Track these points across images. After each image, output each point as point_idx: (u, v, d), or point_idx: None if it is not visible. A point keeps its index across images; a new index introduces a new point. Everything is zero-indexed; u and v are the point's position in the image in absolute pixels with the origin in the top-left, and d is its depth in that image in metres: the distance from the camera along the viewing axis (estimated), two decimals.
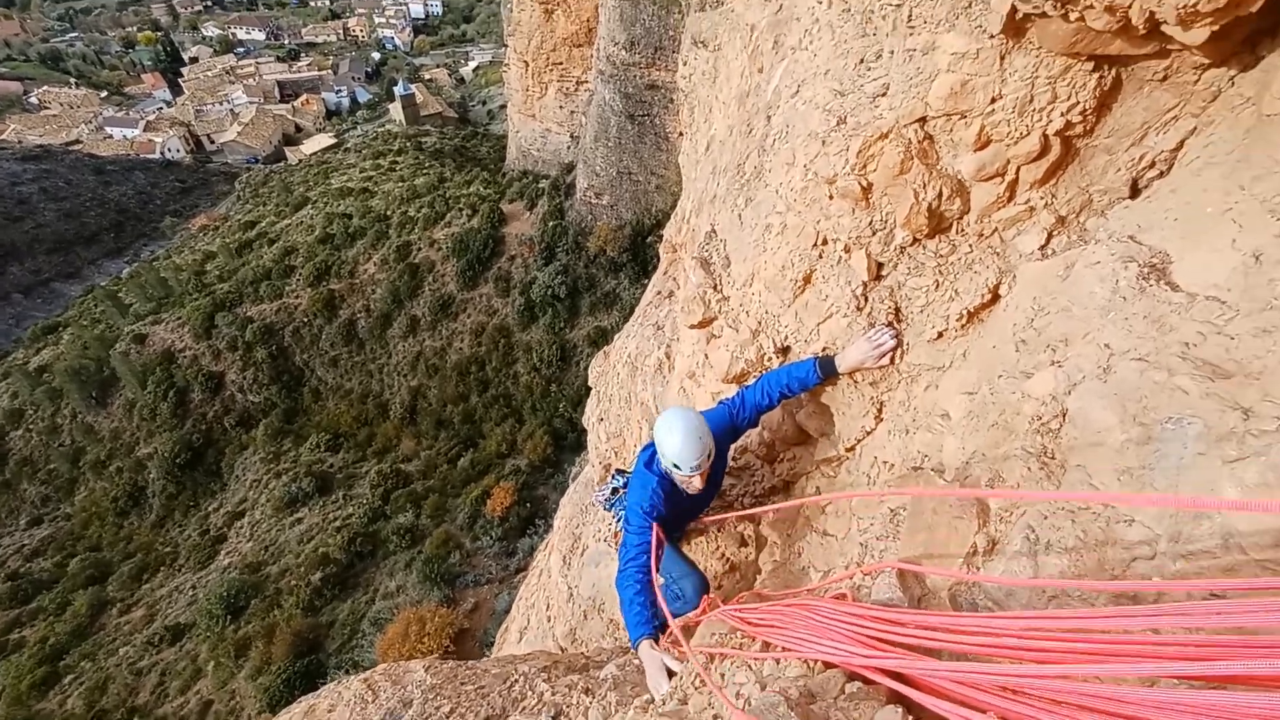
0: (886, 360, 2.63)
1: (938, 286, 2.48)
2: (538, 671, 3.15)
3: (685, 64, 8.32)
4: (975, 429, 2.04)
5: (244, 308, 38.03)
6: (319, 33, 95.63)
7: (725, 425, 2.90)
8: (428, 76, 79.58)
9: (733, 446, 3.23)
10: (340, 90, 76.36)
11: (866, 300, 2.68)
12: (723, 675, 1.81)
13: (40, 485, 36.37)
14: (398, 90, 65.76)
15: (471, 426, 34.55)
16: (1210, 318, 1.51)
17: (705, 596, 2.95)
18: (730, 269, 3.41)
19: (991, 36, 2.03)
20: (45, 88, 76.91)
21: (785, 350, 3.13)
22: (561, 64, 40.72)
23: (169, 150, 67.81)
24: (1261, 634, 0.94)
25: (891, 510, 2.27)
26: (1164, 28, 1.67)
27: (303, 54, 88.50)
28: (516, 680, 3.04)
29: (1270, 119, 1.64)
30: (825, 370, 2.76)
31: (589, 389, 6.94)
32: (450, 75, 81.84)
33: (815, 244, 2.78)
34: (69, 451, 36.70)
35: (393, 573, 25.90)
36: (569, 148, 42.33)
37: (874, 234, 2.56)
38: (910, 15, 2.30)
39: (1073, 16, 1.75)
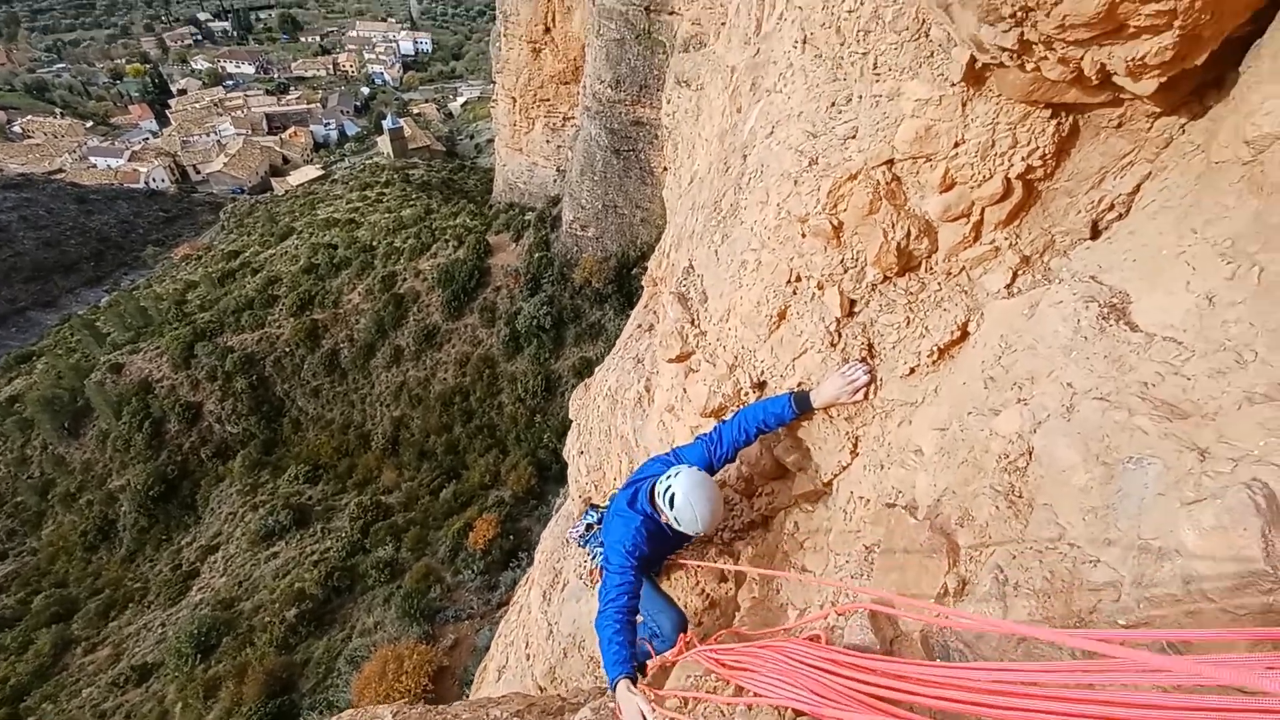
0: (861, 396, 2.65)
1: (909, 323, 2.52)
2: (511, 716, 3.06)
3: (669, 102, 8.51)
4: (947, 465, 2.05)
5: (225, 337, 37.54)
6: (309, 67, 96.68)
7: (703, 462, 2.92)
8: (416, 111, 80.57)
9: None
10: (329, 123, 76.97)
11: (840, 336, 2.71)
12: None
13: (6, 519, 35.13)
14: (386, 124, 66.42)
15: (454, 457, 34.08)
16: (1168, 358, 1.55)
17: (682, 635, 2.90)
18: (707, 304, 3.44)
19: (953, 84, 2.10)
20: (29, 117, 76.75)
21: (762, 385, 3.14)
22: (549, 100, 41.45)
23: (154, 180, 67.63)
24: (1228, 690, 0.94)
25: (866, 548, 2.26)
26: (1115, 78, 1.74)
27: (292, 88, 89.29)
28: None
29: (1218, 166, 1.70)
30: (801, 405, 2.78)
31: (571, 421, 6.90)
32: (438, 110, 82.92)
33: (789, 281, 2.81)
34: (38, 484, 35.59)
35: (371, 608, 25.17)
36: (555, 181, 42.83)
37: (846, 271, 2.60)
38: (876, 63, 2.38)
39: (1029, 67, 1.82)
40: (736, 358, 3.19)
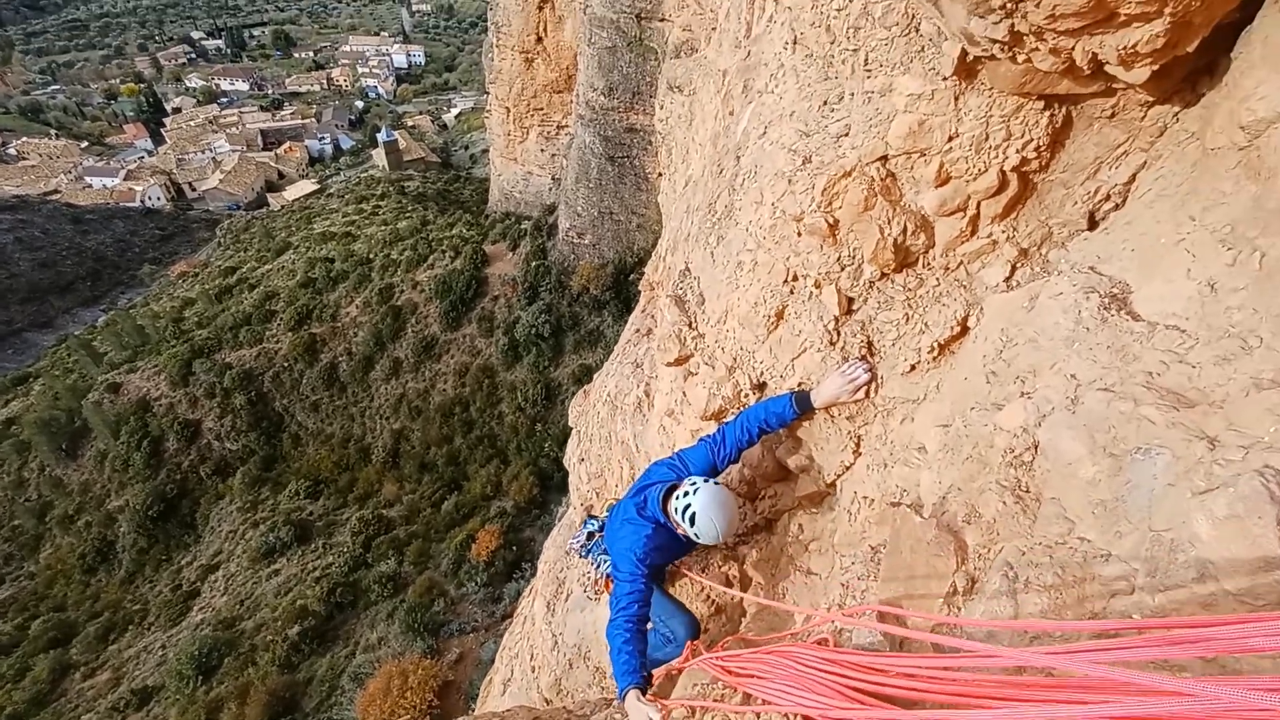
0: (861, 394, 2.63)
1: (908, 320, 2.50)
2: None
3: (662, 108, 8.53)
4: (951, 462, 2.02)
5: (223, 354, 37.45)
6: (303, 83, 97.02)
7: (707, 464, 2.90)
8: (410, 123, 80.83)
9: None
10: (323, 138, 77.19)
11: (839, 335, 2.69)
12: None
13: (3, 543, 34.89)
14: (381, 137, 66.60)
15: (456, 469, 33.95)
16: (1171, 346, 1.53)
17: (689, 642, 2.87)
18: (704, 306, 3.42)
19: (944, 78, 2.09)
20: (24, 139, 76.87)
21: (762, 386, 3.12)
22: (542, 109, 41.62)
23: (149, 198, 67.69)
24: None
25: (872, 548, 2.23)
26: (1107, 68, 1.72)
27: (286, 103, 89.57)
28: None
29: (1214, 153, 1.69)
30: (801, 405, 2.76)
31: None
32: (433, 122, 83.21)
33: (786, 280, 2.79)
34: (35, 506, 35.37)
35: (374, 624, 24.99)
36: (551, 189, 42.94)
37: (843, 269, 2.59)
38: (867, 60, 2.37)
39: (1020, 58, 1.81)
40: (735, 359, 3.17)
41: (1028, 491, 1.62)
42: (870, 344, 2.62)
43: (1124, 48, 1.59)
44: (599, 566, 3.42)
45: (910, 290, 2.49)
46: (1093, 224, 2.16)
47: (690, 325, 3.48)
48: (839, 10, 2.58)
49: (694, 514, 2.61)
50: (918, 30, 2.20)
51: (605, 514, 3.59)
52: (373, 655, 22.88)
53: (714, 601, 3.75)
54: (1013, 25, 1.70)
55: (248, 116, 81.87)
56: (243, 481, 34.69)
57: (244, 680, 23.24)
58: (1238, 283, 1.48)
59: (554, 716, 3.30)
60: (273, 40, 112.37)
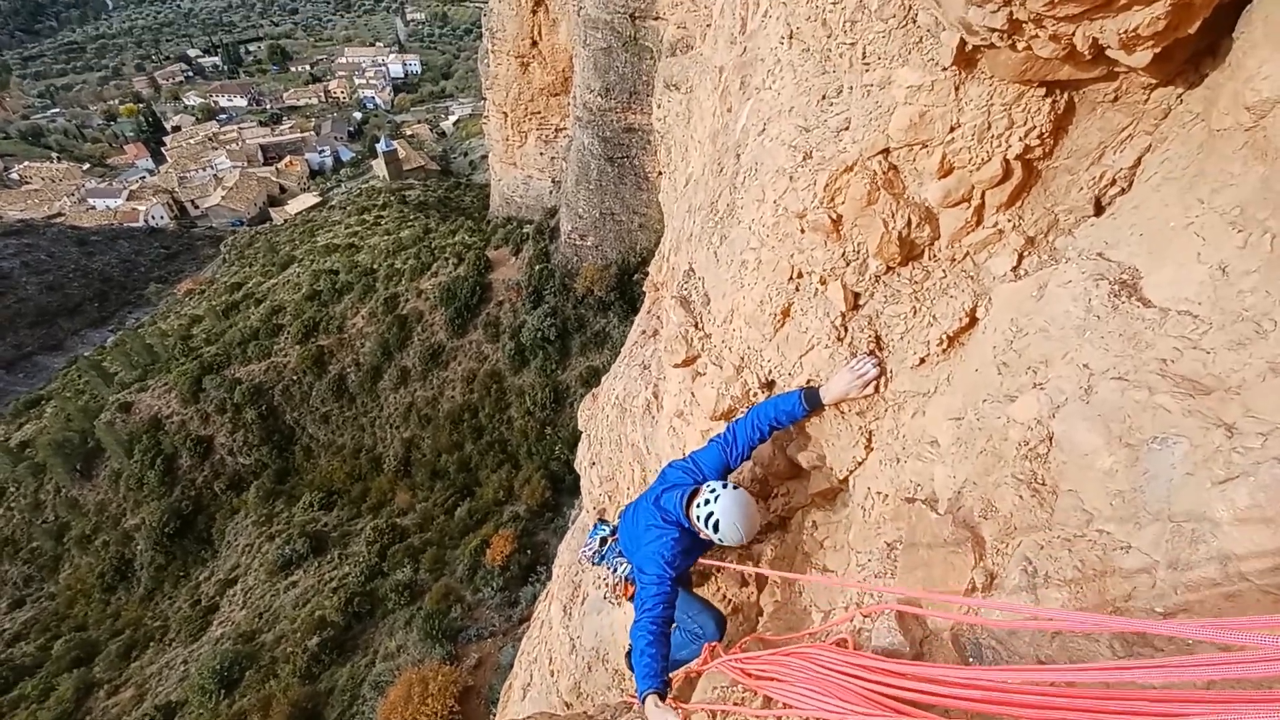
0: (871, 389, 2.61)
1: (915, 313, 2.48)
2: None
3: (659, 106, 8.52)
4: (964, 456, 2.01)
5: (232, 369, 37.72)
6: (300, 96, 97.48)
7: (720, 464, 2.89)
8: (409, 132, 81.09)
9: None
10: (323, 150, 77.55)
11: (846, 330, 2.67)
12: None
13: (22, 565, 35.26)
14: (380, 147, 66.84)
15: (467, 475, 34.06)
16: (1184, 332, 1.51)
17: (707, 645, 2.87)
18: (710, 306, 3.41)
19: (944, 69, 2.07)
20: (26, 163, 77.62)
21: (770, 384, 3.10)
22: (540, 113, 41.66)
23: (153, 218, 68.22)
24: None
25: (888, 544, 2.22)
26: (1109, 52, 1.70)
27: (285, 117, 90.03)
28: None
29: (1220, 133, 1.66)
30: (811, 402, 2.74)
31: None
32: (431, 130, 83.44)
33: (791, 277, 2.78)
34: (52, 528, 35.73)
35: (392, 632, 25.11)
36: (551, 193, 42.98)
37: (848, 264, 2.57)
38: (864, 53, 2.35)
39: (1020, 46, 1.79)
40: (743, 358, 3.15)
41: (1044, 484, 1.60)
42: (878, 338, 2.60)
43: (1125, 31, 1.58)
44: (616, 570, 3.41)
45: (917, 283, 2.47)
46: (1099, 209, 2.14)
47: (696, 326, 3.47)
48: (834, 4, 2.56)
49: (717, 520, 2.64)
50: (915, 21, 2.18)
51: (617, 518, 3.57)
52: (392, 663, 22.98)
53: (730, 601, 3.75)
54: (1011, 13, 1.68)
55: (247, 132, 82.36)
56: (257, 495, 34.92)
57: (266, 692, 23.39)
58: (1249, 265, 1.46)
59: None
60: (269, 55, 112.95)
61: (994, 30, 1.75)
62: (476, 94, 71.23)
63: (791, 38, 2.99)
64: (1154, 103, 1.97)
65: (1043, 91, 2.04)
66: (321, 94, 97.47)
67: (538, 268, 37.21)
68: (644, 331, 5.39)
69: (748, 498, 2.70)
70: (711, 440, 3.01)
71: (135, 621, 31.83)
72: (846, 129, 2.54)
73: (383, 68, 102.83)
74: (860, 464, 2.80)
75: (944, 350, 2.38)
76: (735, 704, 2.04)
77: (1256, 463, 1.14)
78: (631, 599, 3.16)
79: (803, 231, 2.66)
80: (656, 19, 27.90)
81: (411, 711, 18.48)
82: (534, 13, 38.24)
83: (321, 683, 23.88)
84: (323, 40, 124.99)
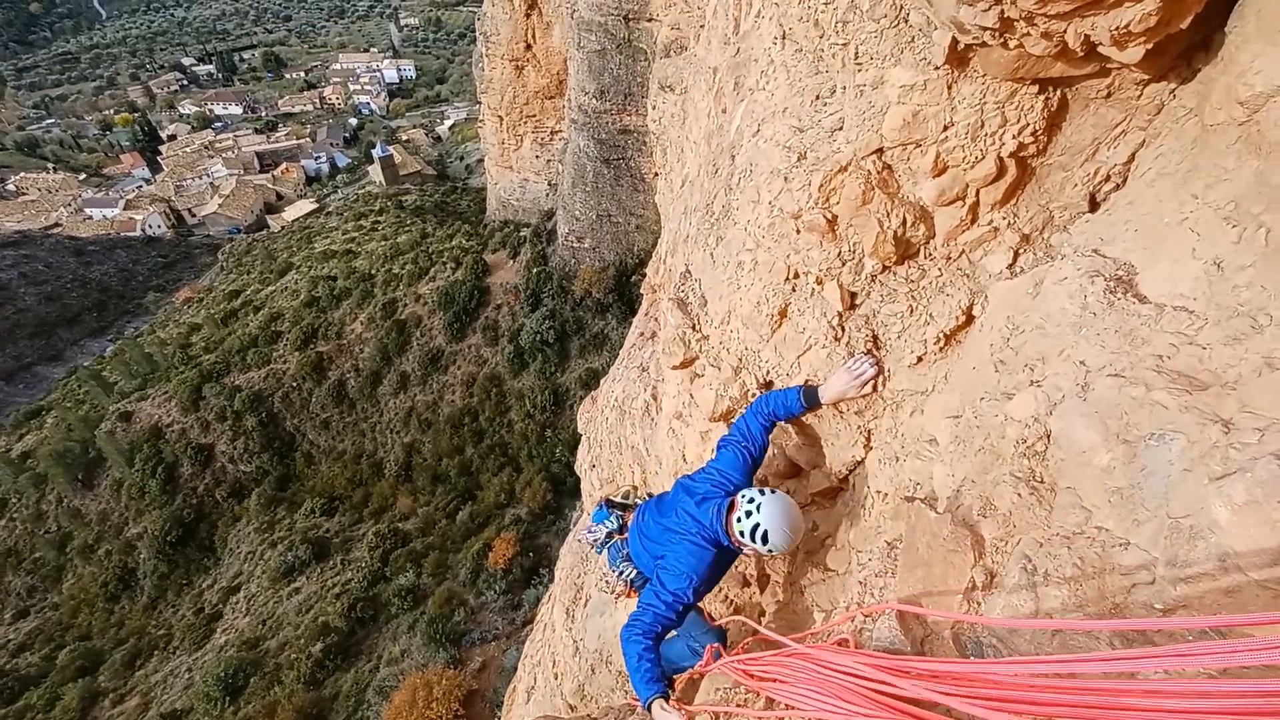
0: (869, 388, 2.61)
1: (912, 312, 2.48)
2: None
3: (654, 108, 8.52)
4: (963, 454, 2.01)
5: (231, 377, 37.71)
6: (295, 103, 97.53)
7: (744, 464, 2.80)
8: (405, 137, 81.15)
9: None
10: (319, 157, 77.59)
11: (843, 330, 2.67)
12: None
13: (26, 576, 35.23)
14: (376, 152, 66.91)
15: (468, 479, 34.06)
16: (1180, 328, 1.51)
17: (709, 645, 2.85)
18: (707, 308, 3.41)
19: (936, 68, 2.07)
20: (22, 174, 77.67)
21: (768, 385, 3.11)
22: (535, 116, 41.67)
23: (150, 226, 68.24)
24: None
25: (888, 544, 2.22)
26: (1101, 49, 1.71)
27: (280, 124, 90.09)
28: None
29: (1214, 128, 1.67)
30: (809, 400, 2.73)
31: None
32: (427, 134, 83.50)
33: (787, 278, 2.78)
34: (55, 538, 35.70)
35: (396, 636, 25.10)
36: (548, 195, 43.00)
37: (844, 264, 2.57)
38: (857, 53, 2.35)
39: (1012, 44, 1.80)
40: (741, 360, 3.16)
41: (1042, 482, 1.60)
42: (875, 338, 2.60)
43: (1116, 28, 1.58)
44: (622, 575, 3.23)
45: (913, 282, 2.48)
46: (1094, 206, 2.14)
47: (694, 328, 3.47)
48: (826, 4, 2.56)
49: (765, 531, 2.47)
50: (907, 21, 2.19)
51: (627, 511, 3.43)
52: (397, 668, 22.97)
53: (731, 602, 3.75)
54: (1002, 11, 1.68)
55: (243, 140, 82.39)
56: (258, 502, 34.91)
57: (271, 699, 23.38)
58: (1244, 260, 1.46)
59: None
60: (263, 62, 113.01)
61: (986, 29, 1.76)
62: (471, 98, 71.36)
63: (784, 38, 3.00)
64: (1147, 98, 1.97)
65: (1036, 89, 2.04)
66: (316, 100, 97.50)
67: (535, 271, 37.22)
68: (642, 334, 5.39)
69: (790, 500, 2.57)
70: (722, 446, 2.90)
71: (139, 630, 31.82)
72: (840, 129, 2.55)
73: (377, 73, 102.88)
74: (859, 463, 2.80)
75: (941, 349, 2.38)
76: (738, 705, 2.04)
77: (1254, 458, 1.14)
78: (632, 596, 3.12)
79: (798, 232, 2.67)
80: (650, 21, 27.93)
81: (416, 716, 18.48)
82: (528, 16, 38.26)
83: (326, 688, 23.86)
84: (317, 47, 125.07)
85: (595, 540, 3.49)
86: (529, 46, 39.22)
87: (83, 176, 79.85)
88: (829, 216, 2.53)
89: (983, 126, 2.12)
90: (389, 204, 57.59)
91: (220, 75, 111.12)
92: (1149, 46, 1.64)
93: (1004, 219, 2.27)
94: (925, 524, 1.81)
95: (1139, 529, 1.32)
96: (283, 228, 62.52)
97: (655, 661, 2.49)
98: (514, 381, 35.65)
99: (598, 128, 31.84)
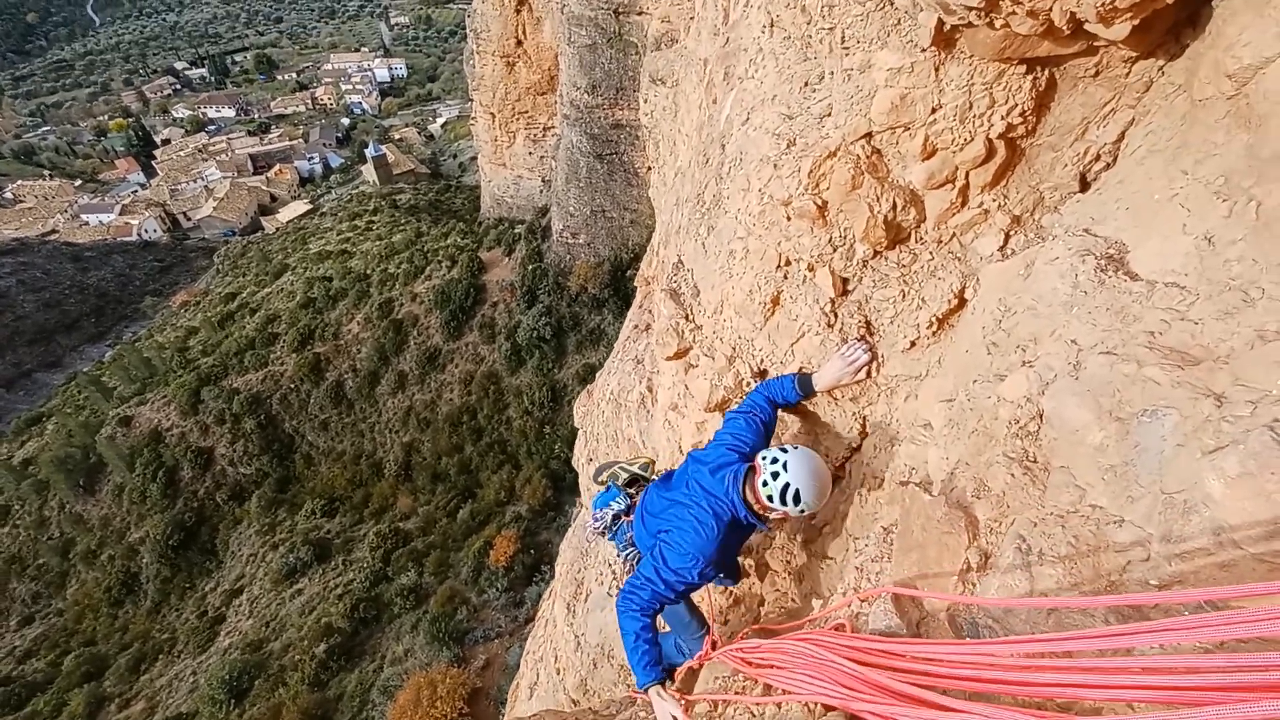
0: (863, 375, 2.60)
1: (904, 296, 2.47)
2: None
3: (646, 101, 8.48)
4: (957, 437, 2.00)
5: (229, 380, 37.64)
6: (288, 104, 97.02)
7: (757, 432, 2.66)
8: (397, 136, 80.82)
9: None
10: (312, 158, 77.27)
11: (836, 316, 2.66)
12: None
13: (30, 582, 35.25)
14: (369, 152, 66.66)
15: (468, 477, 34.06)
16: (1172, 304, 1.50)
17: (708, 636, 2.85)
18: (700, 298, 3.40)
19: (923, 50, 2.06)
20: (19, 182, 77.34)
21: (763, 374, 3.10)
22: (527, 112, 41.52)
23: (146, 231, 68.01)
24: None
25: (884, 529, 2.21)
26: (1087, 26, 1.69)
27: (273, 126, 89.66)
28: None
29: (1202, 104, 1.65)
30: (804, 388, 2.72)
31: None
32: (419, 133, 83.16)
33: (779, 265, 2.77)
34: (58, 544, 35.70)
35: (399, 636, 25.14)
36: (541, 192, 42.88)
37: (835, 250, 2.56)
38: (844, 37, 2.33)
39: (998, 24, 1.78)
40: (735, 349, 3.14)
41: (1035, 462, 1.59)
42: (868, 323, 2.59)
43: (1102, 5, 1.56)
44: (627, 562, 3.07)
45: (904, 266, 2.46)
46: (1084, 185, 2.13)
47: (687, 318, 3.46)
48: None
49: (797, 490, 2.25)
50: (892, 3, 2.17)
51: (633, 488, 3.28)
52: (400, 667, 23.02)
53: (731, 593, 3.74)
54: None
55: (236, 142, 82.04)
56: (259, 505, 34.90)
57: (275, 701, 23.42)
58: (1235, 234, 1.45)
59: (580, 718, 3.29)
60: (255, 65, 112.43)
61: (971, 9, 1.74)
62: (463, 96, 71.01)
63: (772, 25, 2.98)
64: (1135, 76, 1.96)
65: (1023, 69, 2.02)
66: (309, 101, 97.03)
67: (531, 267, 37.15)
68: (636, 326, 5.38)
69: (814, 453, 2.36)
70: (730, 416, 2.75)
71: (143, 634, 31.85)
72: (829, 115, 2.53)
73: (369, 73, 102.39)
74: (855, 450, 2.79)
75: (934, 333, 2.37)
76: (736, 693, 2.04)
77: (1247, 430, 1.13)
78: None
79: (789, 219, 2.65)
80: (640, 14, 27.81)
81: (421, 715, 18.51)
82: (518, 12, 38.08)
83: (330, 689, 23.91)
84: (308, 48, 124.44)
85: (602, 525, 3.28)
86: (520, 42, 39.06)
87: (79, 183, 79.53)
88: (819, 202, 2.52)
89: (971, 108, 2.10)
90: (383, 203, 57.41)
91: (213, 78, 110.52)
92: (1135, 22, 1.63)
93: (994, 201, 2.26)
94: (920, 507, 1.80)
95: (1133, 506, 1.31)
96: (277, 229, 62.32)
97: (653, 642, 2.42)
98: (512, 379, 35.62)
99: (590, 123, 31.72)
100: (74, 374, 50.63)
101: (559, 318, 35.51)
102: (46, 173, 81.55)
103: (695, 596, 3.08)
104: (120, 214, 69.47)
